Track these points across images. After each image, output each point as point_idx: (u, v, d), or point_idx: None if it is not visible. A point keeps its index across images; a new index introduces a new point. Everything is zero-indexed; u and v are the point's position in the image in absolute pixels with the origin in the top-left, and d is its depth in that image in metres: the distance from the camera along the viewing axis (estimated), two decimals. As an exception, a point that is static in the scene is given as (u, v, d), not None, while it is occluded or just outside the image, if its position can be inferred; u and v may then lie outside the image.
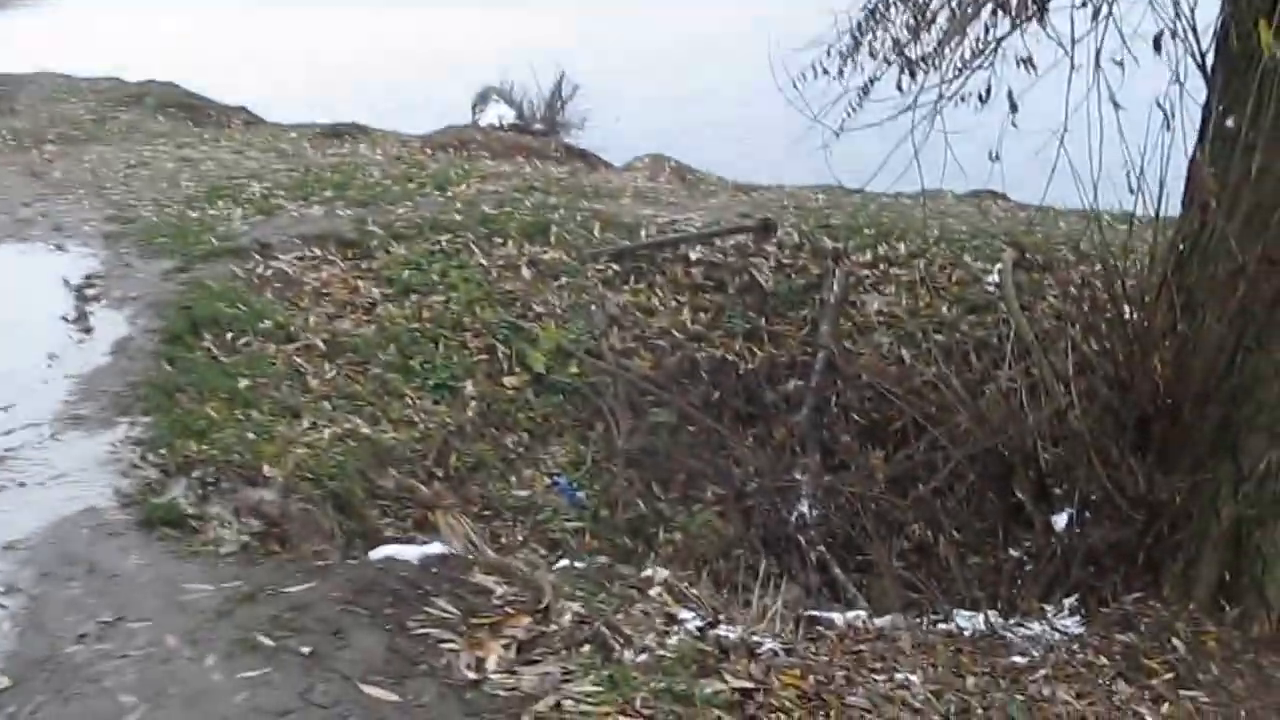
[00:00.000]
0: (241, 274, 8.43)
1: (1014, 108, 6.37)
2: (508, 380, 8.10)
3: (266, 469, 6.02)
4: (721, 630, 4.86)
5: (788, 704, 4.34)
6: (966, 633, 5.60)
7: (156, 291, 8.00)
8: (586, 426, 8.06)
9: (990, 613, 5.82)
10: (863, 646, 5.19)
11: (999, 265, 9.22)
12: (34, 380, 6.66)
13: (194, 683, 4.05)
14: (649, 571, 5.59)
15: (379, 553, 5.22)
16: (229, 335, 7.50)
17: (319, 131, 15.13)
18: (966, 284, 9.38)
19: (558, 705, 4.01)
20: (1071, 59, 6.03)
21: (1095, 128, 5.86)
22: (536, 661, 4.33)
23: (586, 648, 4.47)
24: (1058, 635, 5.48)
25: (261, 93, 19.27)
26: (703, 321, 9.12)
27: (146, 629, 4.38)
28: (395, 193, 10.72)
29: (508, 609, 4.68)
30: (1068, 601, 5.83)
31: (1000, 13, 6.55)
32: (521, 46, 21.06)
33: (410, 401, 7.53)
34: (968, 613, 5.96)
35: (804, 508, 7.48)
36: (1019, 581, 6.39)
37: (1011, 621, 5.70)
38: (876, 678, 4.78)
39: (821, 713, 4.36)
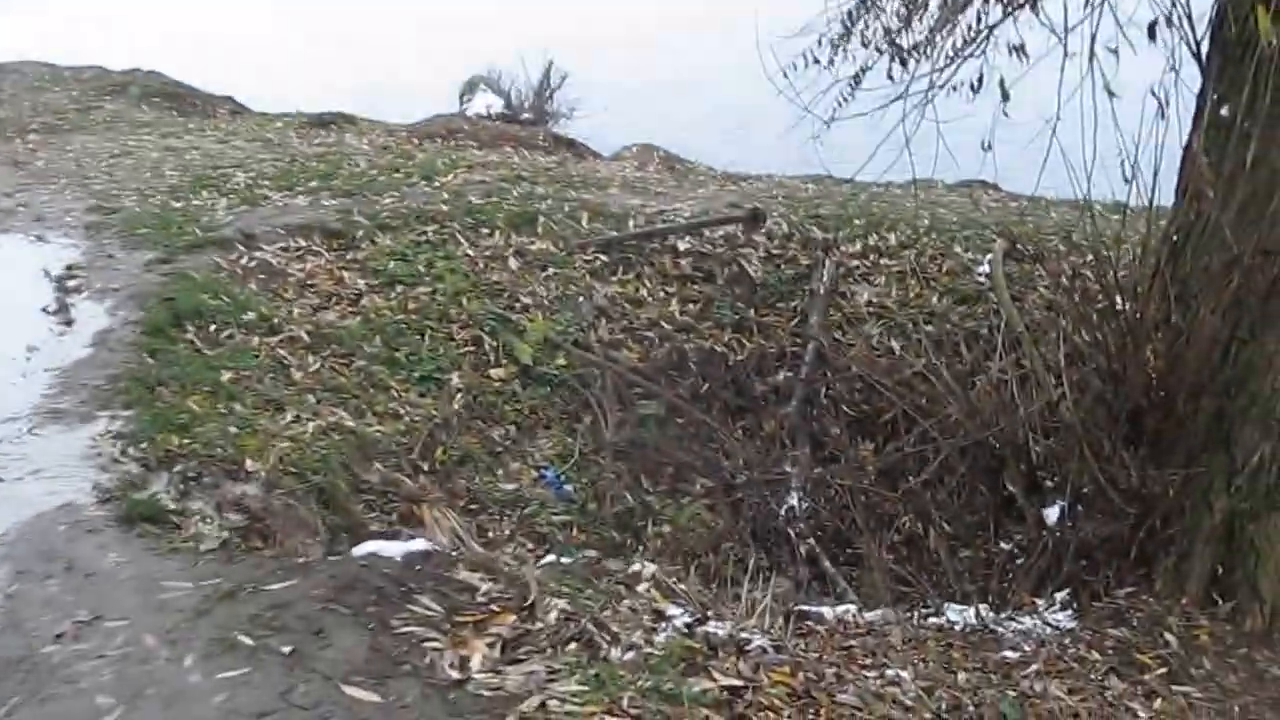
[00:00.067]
0: (225, 265, 8.33)
1: (1005, 96, 6.30)
2: (494, 372, 8.03)
3: (249, 463, 5.94)
4: (710, 627, 4.79)
5: (777, 702, 4.27)
6: (957, 627, 5.56)
7: (139, 283, 7.90)
8: (574, 419, 7.99)
9: (981, 607, 5.78)
10: (853, 642, 5.14)
11: (989, 256, 9.16)
12: (13, 373, 6.58)
13: (172, 683, 3.98)
14: (637, 567, 5.51)
15: (362, 549, 5.13)
16: (212, 327, 7.40)
17: (305, 121, 14.99)
18: (957, 275, 9.33)
19: (543, 705, 3.94)
20: (1065, 46, 5.97)
21: (1088, 117, 5.79)
22: (522, 660, 4.26)
23: (573, 646, 4.40)
24: (1049, 630, 5.44)
25: (248, 81, 19.15)
26: (691, 313, 9.05)
27: (124, 628, 4.30)
28: (381, 183, 10.62)
29: (493, 606, 4.61)
30: (1059, 596, 5.79)
31: (993, 0, 6.48)
32: (511, 35, 20.94)
33: (396, 394, 7.45)
34: (958, 606, 5.91)
35: (793, 500, 7.43)
36: (1010, 575, 6.35)
37: (1003, 616, 5.66)
38: (867, 674, 4.72)
39: (811, 711, 4.29)
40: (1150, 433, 5.92)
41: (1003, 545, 6.64)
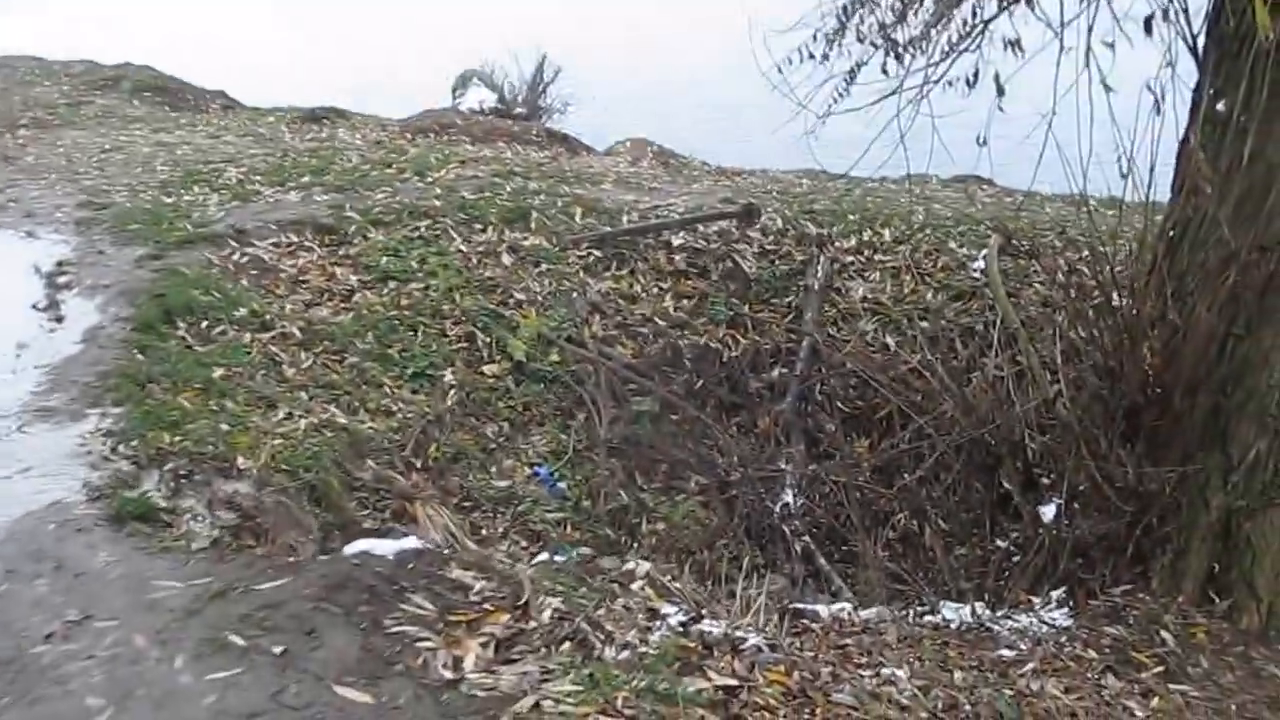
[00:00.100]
0: (216, 261, 8.30)
1: (1000, 91, 6.27)
2: (488, 369, 8.00)
3: (241, 461, 5.91)
4: (705, 625, 4.77)
5: (772, 702, 4.25)
6: (953, 625, 5.52)
7: (129, 279, 7.86)
8: (568, 415, 7.96)
9: (977, 604, 5.75)
10: (848, 640, 5.10)
11: (984, 251, 9.13)
12: (2, 370, 6.56)
13: (162, 684, 3.95)
14: (631, 565, 5.49)
15: (353, 547, 5.11)
16: (203, 324, 7.37)
17: (297, 116, 14.94)
18: (952, 270, 9.30)
19: (537, 706, 3.91)
20: (1061, 41, 5.93)
21: (1084, 112, 5.76)
22: (515, 660, 4.23)
23: (567, 645, 4.37)
24: (1046, 628, 5.40)
25: (241, 77, 19.08)
26: (685, 308, 9.03)
27: (114, 628, 4.27)
28: (374, 178, 10.59)
29: (486, 605, 4.58)
30: (1055, 594, 5.75)
31: (989, -6, 6.45)
32: (503, 28, 20.87)
33: (388, 391, 7.42)
34: (954, 604, 5.88)
35: (788, 497, 7.40)
36: (1006, 573, 6.31)
37: (999, 614, 5.63)
38: (863, 673, 4.69)
39: (807, 710, 4.27)
40: (1147, 430, 5.89)
41: (999, 543, 6.60)
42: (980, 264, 9.10)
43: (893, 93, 6.61)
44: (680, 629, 4.72)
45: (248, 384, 6.82)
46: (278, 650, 4.10)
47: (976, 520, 6.89)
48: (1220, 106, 5.72)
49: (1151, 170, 5.95)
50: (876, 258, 9.58)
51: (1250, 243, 5.47)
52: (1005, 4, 6.38)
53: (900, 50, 6.74)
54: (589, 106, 19.53)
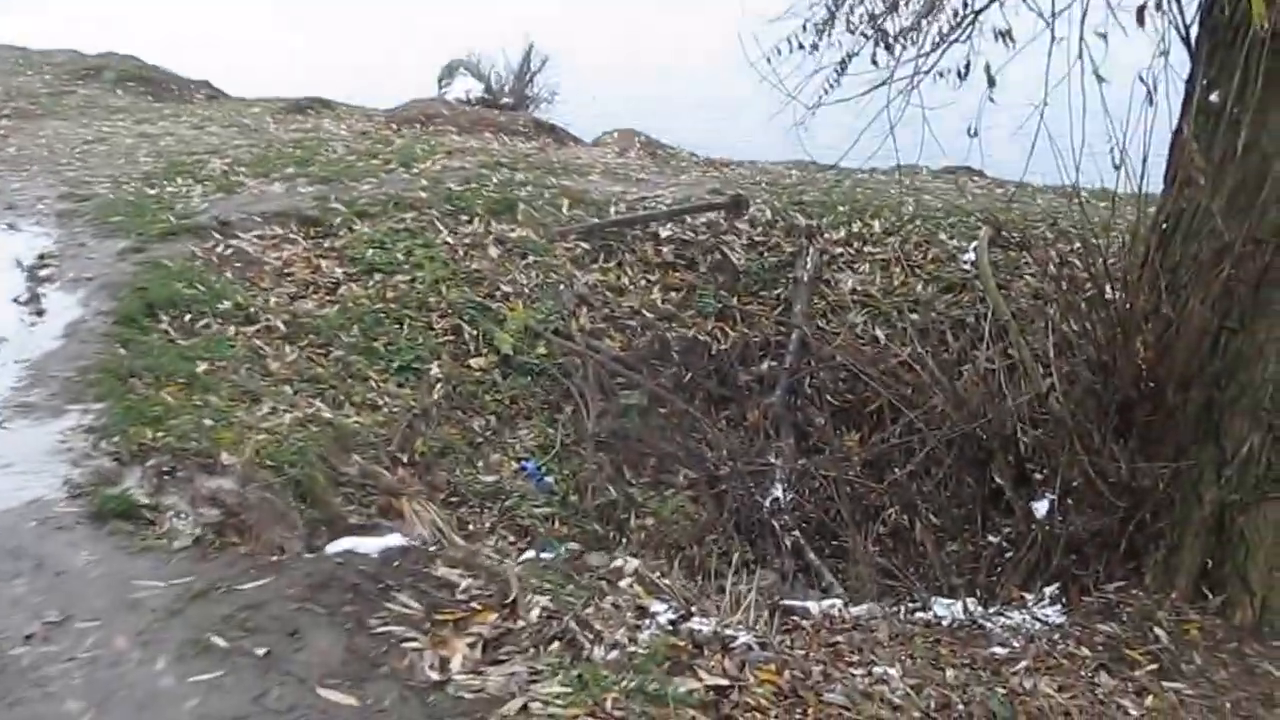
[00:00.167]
0: (200, 253, 8.22)
1: (991, 82, 6.22)
2: (474, 362, 7.94)
3: (225, 456, 5.81)
4: (694, 623, 4.71)
5: (764, 702, 4.18)
6: (945, 622, 5.48)
7: (112, 272, 7.78)
8: (555, 409, 7.91)
9: (969, 601, 5.70)
10: (839, 638, 5.05)
11: (975, 243, 9.09)
12: (-19, 365, 6.46)
13: (144, 687, 3.87)
14: (619, 562, 5.44)
15: (337, 546, 5.02)
16: (187, 317, 7.29)
17: (282, 106, 14.86)
18: (942, 262, 9.27)
19: (525, 708, 3.84)
20: (1053, 31, 5.89)
21: (1076, 103, 5.71)
22: (503, 661, 4.16)
23: (555, 645, 4.31)
24: (1038, 625, 5.36)
25: (227, 67, 18.97)
26: (673, 301, 8.98)
27: (95, 629, 4.19)
28: (359, 169, 10.51)
29: (473, 604, 4.51)
30: (1048, 590, 5.70)
31: (980, -16, 6.40)
32: (493, 21, 20.77)
33: (374, 384, 7.36)
34: (946, 600, 5.84)
35: (778, 492, 7.36)
36: (998, 569, 6.27)
37: (991, 611, 5.59)
38: (854, 672, 4.63)
39: (799, 710, 4.21)
40: (1140, 424, 5.84)
41: (990, 538, 6.57)
42: (971, 256, 9.06)
43: (882, 84, 6.56)
44: (670, 627, 4.66)
45: (231, 378, 6.74)
46: (261, 652, 4.02)
47: (968, 516, 6.84)
48: (1213, 97, 5.67)
49: (1144, 161, 5.90)
50: (866, 249, 9.54)
51: (1244, 235, 5.42)
52: (997, -6, 6.33)
53: (890, 41, 6.69)
54: (576, 97, 19.42)
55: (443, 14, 29.64)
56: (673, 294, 9.03)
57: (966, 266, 9.02)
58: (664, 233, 9.54)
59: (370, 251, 8.65)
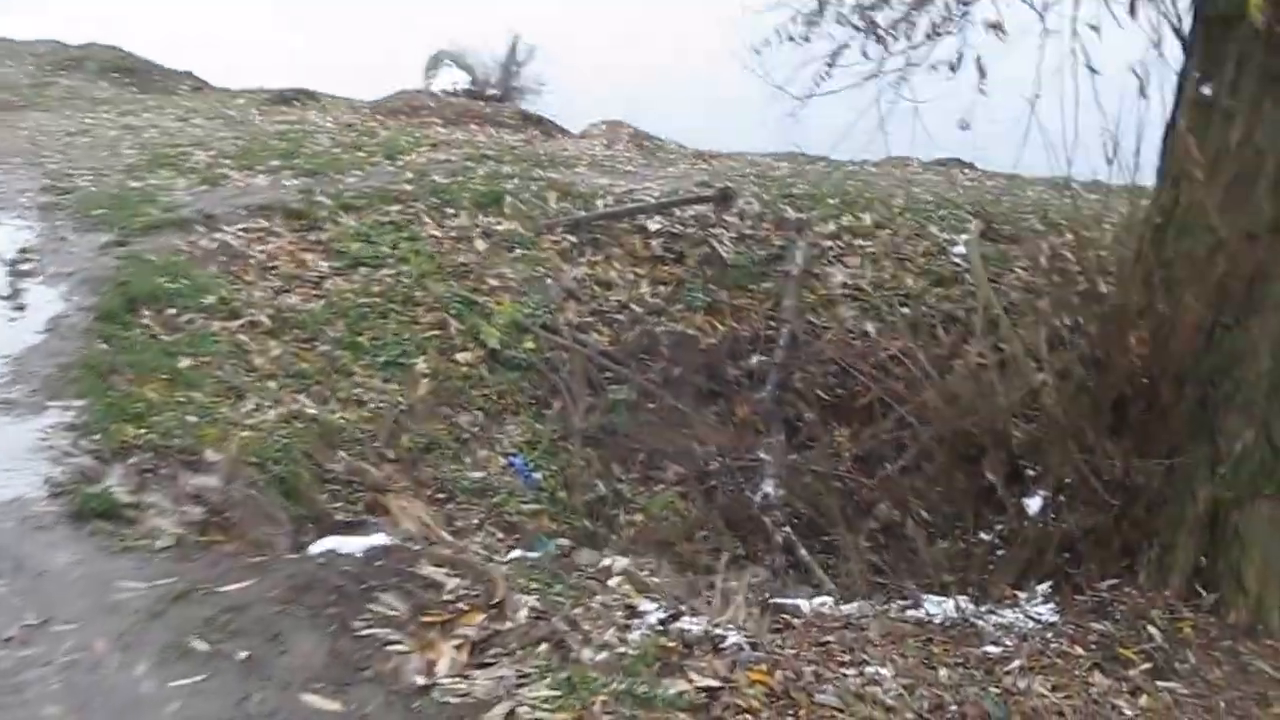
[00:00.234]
0: (184, 247, 8.14)
1: (982, 74, 6.18)
2: (461, 357, 7.86)
3: (209, 453, 5.74)
4: (684, 623, 4.65)
5: (755, 704, 4.12)
6: (937, 619, 5.41)
7: (94, 266, 7.71)
8: (543, 404, 7.85)
9: (961, 599, 5.63)
10: (830, 637, 4.99)
11: (965, 236, 9.05)
12: (-39, 362, 6.36)
13: (123, 692, 3.80)
14: (608, 561, 5.39)
15: (319, 546, 4.95)
16: (170, 312, 7.21)
17: (267, 98, 14.77)
18: (933, 255, 9.24)
19: (512, 713, 3.78)
20: (1044, 24, 5.85)
21: (1069, 95, 5.67)
22: (490, 664, 4.10)
23: (543, 647, 4.24)
24: (1031, 624, 5.29)
25: (209, 57, 18.86)
26: (662, 295, 8.92)
27: (74, 632, 4.12)
28: (344, 161, 10.45)
29: (460, 605, 4.45)
30: (1041, 588, 5.64)
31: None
32: (491, 17, 20.68)
33: (359, 380, 7.28)
34: (937, 598, 5.77)
35: (768, 487, 7.30)
36: (991, 566, 6.21)
37: (983, 609, 5.51)
38: (846, 672, 4.57)
39: (790, 712, 4.15)
40: (1134, 421, 5.79)
41: (982, 535, 6.51)
42: (961, 249, 9.02)
43: (872, 76, 6.52)
44: (659, 627, 4.60)
45: (215, 374, 6.67)
46: (242, 656, 3.95)
47: (959, 512, 6.79)
48: (1206, 90, 5.62)
49: (1137, 154, 5.86)
50: (856, 242, 9.50)
51: (1238, 230, 5.37)
52: (988, -14, 6.29)
53: (881, 33, 6.64)
54: (566, 88, 19.37)
55: (444, 14, 29.51)
56: (661, 288, 8.97)
57: (957, 259, 8.97)
58: (652, 226, 9.48)
59: (356, 245, 8.58)
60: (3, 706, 3.74)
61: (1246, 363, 5.43)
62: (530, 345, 8.09)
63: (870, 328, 8.60)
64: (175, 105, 14.06)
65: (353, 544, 4.89)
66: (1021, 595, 5.66)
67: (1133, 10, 5.65)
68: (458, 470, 7.04)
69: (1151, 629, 5.18)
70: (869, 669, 4.60)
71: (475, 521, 6.67)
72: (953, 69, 6.35)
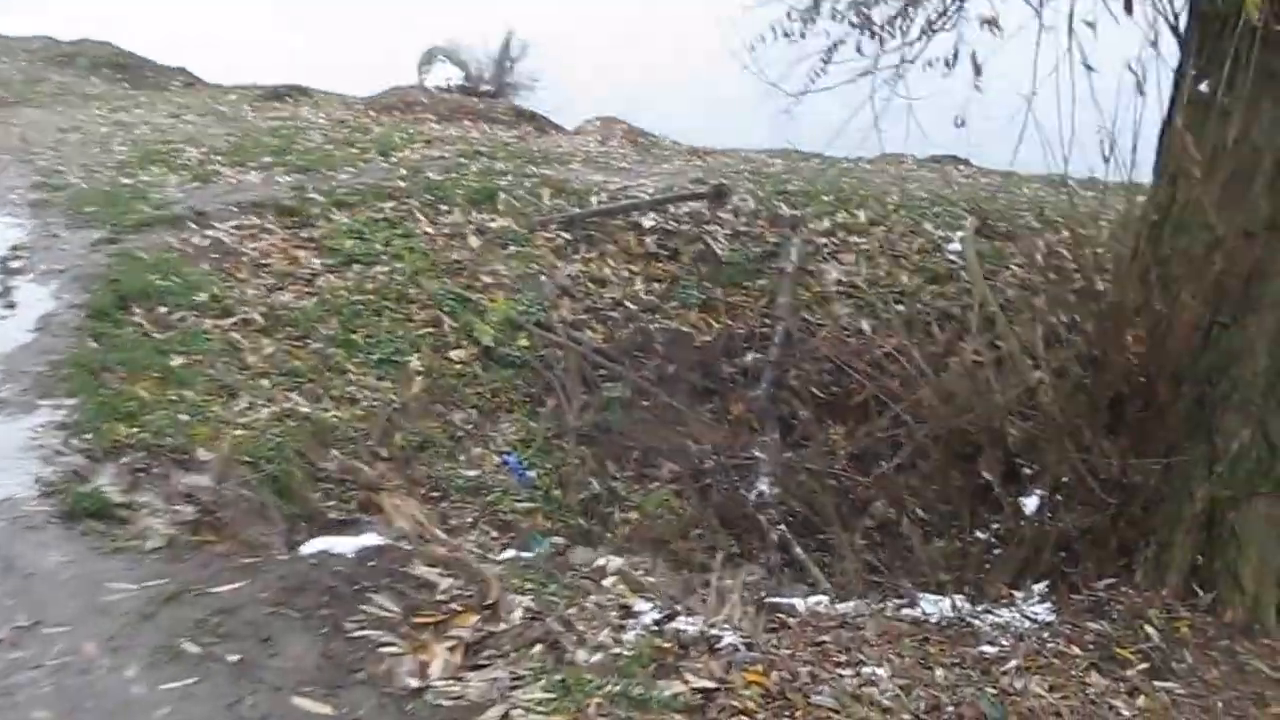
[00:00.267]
0: (175, 244, 8.10)
1: (977, 71, 6.15)
2: (455, 354, 7.83)
3: (201, 452, 5.71)
4: (680, 623, 4.62)
5: (751, 705, 4.10)
6: (933, 619, 5.38)
7: (85, 263, 7.67)
8: (537, 402, 7.81)
9: (957, 598, 5.61)
10: (826, 637, 4.96)
11: (960, 233, 9.02)
12: (-49, 361, 6.32)
13: (114, 695, 3.77)
14: (602, 560, 5.35)
15: (311, 547, 4.92)
16: (161, 309, 7.16)
17: (260, 94, 14.72)
18: (928, 252, 9.21)
19: (506, 716, 3.76)
20: (1041, 20, 5.81)
21: (1065, 92, 5.63)
22: (484, 666, 4.07)
23: (537, 648, 4.22)
24: (1028, 623, 5.26)
25: (202, 53, 18.79)
26: (656, 292, 8.89)
27: (65, 634, 4.08)
28: (337, 158, 10.41)
29: (453, 605, 4.42)
30: (1038, 588, 5.62)
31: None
32: (492, 16, 20.61)
33: (353, 378, 7.24)
34: (933, 597, 5.74)
35: (763, 485, 7.28)
36: (986, 565, 6.19)
37: (980, 608, 5.49)
38: (842, 672, 4.54)
39: (787, 714, 4.12)
40: (1131, 420, 5.77)
41: (979, 534, 6.49)
42: (956, 245, 9.00)
43: (866, 73, 6.49)
44: (654, 628, 4.58)
45: (207, 372, 6.62)
46: (233, 659, 3.92)
47: (955, 511, 6.76)
48: (1203, 87, 5.59)
49: (1133, 151, 5.83)
50: (851, 239, 9.48)
51: (1235, 228, 5.34)
52: (984, -18, 6.26)
53: (876, 29, 6.61)
54: (563, 87, 19.31)
55: (444, 13, 29.45)
56: (655, 285, 8.94)
57: (952, 256, 8.95)
58: (646, 223, 9.45)
59: (349, 242, 8.54)
60: (-8, 710, 3.71)
61: (1244, 361, 5.42)
62: (524, 343, 8.06)
63: (865, 325, 8.57)
64: (167, 102, 14.01)
65: (345, 544, 4.86)
66: (1018, 594, 5.63)
67: (1129, 7, 5.61)
68: (451, 468, 7.00)
69: (1149, 628, 5.16)
70: (865, 669, 4.57)
71: (469, 520, 6.64)
72: (948, 65, 6.31)
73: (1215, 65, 5.47)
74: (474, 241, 8.86)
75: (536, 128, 14.46)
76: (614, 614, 4.69)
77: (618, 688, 3.97)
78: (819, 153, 10.58)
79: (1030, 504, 6.07)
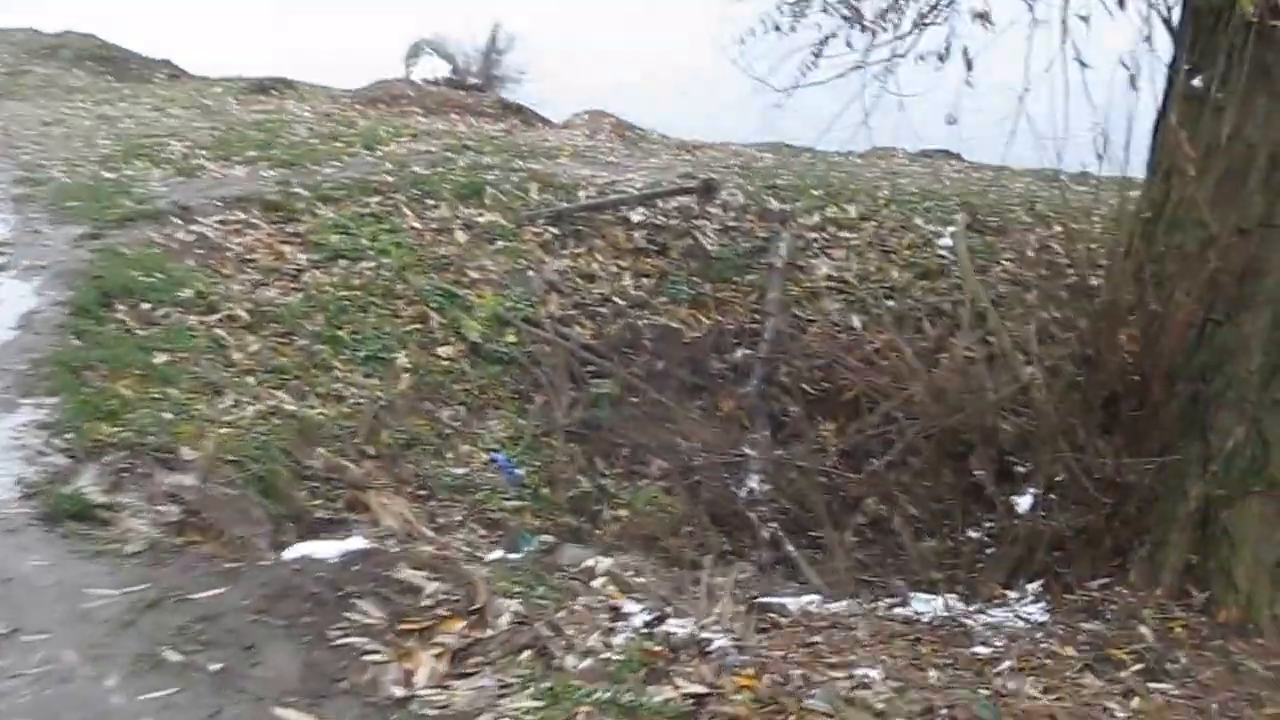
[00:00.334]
0: (159, 240, 8.03)
1: (969, 65, 6.11)
2: (442, 351, 7.77)
3: (185, 451, 5.65)
4: (670, 626, 4.56)
5: (743, 710, 4.03)
6: (925, 618, 5.34)
7: (67, 259, 7.60)
8: (525, 399, 7.76)
9: (949, 597, 5.57)
10: (818, 637, 4.91)
11: (951, 228, 8.98)
12: (-69, 359, 6.23)
13: (94, 705, 3.69)
14: (591, 561, 5.29)
15: (294, 552, 4.86)
16: (144, 306, 7.09)
17: (244, 87, 14.64)
18: (918, 248, 9.17)
19: (493, 725, 3.69)
20: (1033, 14, 5.78)
21: (1058, 86, 5.60)
22: (471, 673, 4.00)
23: (525, 655, 4.14)
24: (1021, 623, 5.23)
25: (187, 45, 18.71)
26: (645, 287, 8.83)
27: (44, 642, 4.00)
28: (322, 152, 10.35)
29: (439, 610, 4.35)
30: (1031, 587, 5.58)
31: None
32: (492, 15, 20.53)
33: (339, 375, 7.18)
34: (925, 596, 5.70)
35: (754, 483, 7.23)
36: (979, 565, 6.15)
37: (972, 608, 5.45)
38: (835, 675, 4.48)
39: (779, 719, 4.06)
40: (1125, 419, 5.73)
41: (971, 533, 6.44)
42: (947, 240, 8.95)
43: (857, 67, 6.45)
44: (644, 630, 4.51)
45: (192, 369, 6.56)
46: (215, 667, 3.85)
47: (948, 510, 6.72)
48: (1196, 83, 5.56)
49: (1126, 147, 5.80)
50: (841, 234, 9.44)
51: (1229, 225, 5.30)
52: (976, -25, 6.22)
53: (868, 23, 6.57)
54: (557, 83, 19.26)
55: (438, 8, 29.45)
56: (644, 280, 8.89)
57: (943, 251, 8.90)
58: (635, 217, 9.40)
59: (335, 237, 8.47)
60: (-30, 719, 3.65)
61: (1238, 359, 5.38)
62: (512, 339, 8.00)
63: (856, 321, 8.53)
64: (151, 94, 13.91)
65: (328, 549, 4.79)
66: (1011, 594, 5.60)
67: (1122, 2, 5.58)
68: (439, 466, 6.94)
69: (1143, 629, 5.12)
70: (858, 671, 4.51)
71: (457, 518, 6.57)
72: (941, 59, 6.27)
73: (1209, 60, 5.44)
74: (461, 236, 8.80)
75: (523, 121, 14.41)
76: (603, 616, 4.62)
77: (607, 694, 3.90)
78: (809, 147, 10.54)
79: (1023, 502, 6.02)
